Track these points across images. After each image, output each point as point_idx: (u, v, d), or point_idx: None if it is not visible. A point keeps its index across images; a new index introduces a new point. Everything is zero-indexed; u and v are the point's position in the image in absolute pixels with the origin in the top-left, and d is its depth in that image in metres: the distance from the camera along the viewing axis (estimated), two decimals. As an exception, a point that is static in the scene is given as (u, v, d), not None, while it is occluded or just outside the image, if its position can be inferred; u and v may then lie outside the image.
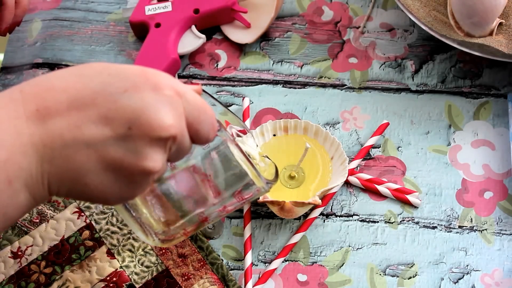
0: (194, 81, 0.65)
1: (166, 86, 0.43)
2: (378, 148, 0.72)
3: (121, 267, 0.65)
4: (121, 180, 0.43)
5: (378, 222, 0.68)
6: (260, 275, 0.66)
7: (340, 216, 0.68)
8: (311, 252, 0.67)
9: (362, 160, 0.71)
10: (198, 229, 0.56)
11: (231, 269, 0.66)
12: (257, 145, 0.63)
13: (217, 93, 0.75)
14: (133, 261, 0.66)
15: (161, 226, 0.54)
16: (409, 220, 0.68)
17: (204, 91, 0.55)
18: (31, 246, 0.66)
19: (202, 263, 0.65)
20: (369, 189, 0.69)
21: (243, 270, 0.66)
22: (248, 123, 0.72)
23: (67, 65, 0.78)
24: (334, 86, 0.75)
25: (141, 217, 0.53)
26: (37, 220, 0.67)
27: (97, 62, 0.44)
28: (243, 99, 0.74)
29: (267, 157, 0.60)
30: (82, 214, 0.68)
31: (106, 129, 0.41)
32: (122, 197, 0.45)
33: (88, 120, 0.41)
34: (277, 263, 0.66)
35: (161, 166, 0.44)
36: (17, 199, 0.42)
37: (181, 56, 0.77)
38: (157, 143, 0.43)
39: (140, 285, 0.65)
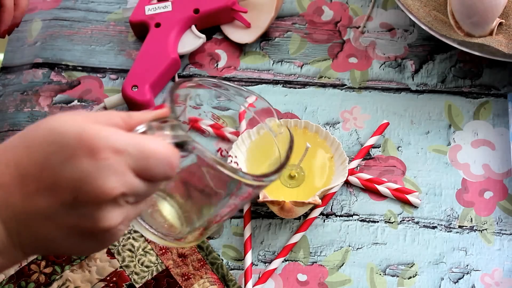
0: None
1: (102, 149, 0.43)
2: (378, 148, 0.72)
3: (121, 267, 0.65)
4: (88, 239, 0.45)
5: (378, 222, 0.68)
6: (260, 275, 0.66)
7: (340, 216, 0.69)
8: (311, 252, 0.67)
9: (362, 160, 0.71)
10: (209, 230, 0.58)
11: (231, 269, 0.66)
12: (278, 119, 0.62)
13: (217, 93, 0.75)
14: (133, 261, 0.66)
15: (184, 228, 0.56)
16: (409, 220, 0.68)
17: (214, 82, 0.57)
18: (31, 246, 0.66)
19: (202, 263, 0.65)
20: (369, 189, 0.69)
21: (243, 270, 0.66)
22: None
23: (67, 65, 0.78)
24: (334, 86, 0.75)
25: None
26: (37, 220, 0.67)
27: (44, 124, 0.44)
28: (243, 99, 0.74)
29: (288, 129, 0.60)
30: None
31: (55, 200, 0.43)
32: (97, 250, 0.47)
33: (38, 193, 0.43)
34: (277, 263, 0.66)
35: (121, 219, 0.45)
36: None
37: (181, 56, 0.77)
38: (106, 205, 0.43)
39: (140, 285, 0.65)
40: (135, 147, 0.44)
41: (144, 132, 0.48)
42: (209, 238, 0.67)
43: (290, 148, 0.57)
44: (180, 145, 0.49)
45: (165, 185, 0.56)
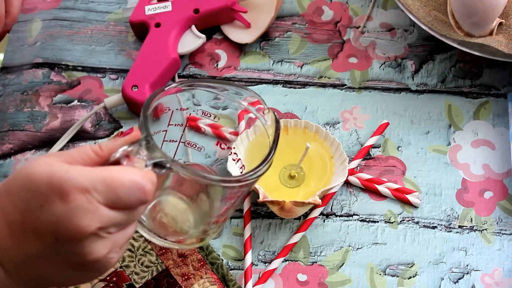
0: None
1: (71, 191, 0.45)
2: (378, 148, 0.72)
3: (121, 267, 0.65)
4: (82, 271, 0.48)
5: (378, 222, 0.68)
6: (260, 275, 0.66)
7: (340, 216, 0.68)
8: (311, 252, 0.67)
9: (362, 160, 0.71)
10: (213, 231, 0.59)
11: (231, 269, 0.66)
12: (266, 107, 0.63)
13: (217, 93, 0.75)
14: (133, 261, 0.66)
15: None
16: (409, 220, 0.68)
17: (206, 81, 0.57)
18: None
19: (202, 263, 0.65)
20: (369, 189, 0.69)
21: (243, 270, 0.66)
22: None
23: (67, 65, 0.78)
24: (334, 86, 0.75)
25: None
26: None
27: (22, 170, 0.47)
28: (243, 99, 0.74)
29: (274, 113, 0.60)
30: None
31: (41, 242, 0.46)
32: (95, 277, 0.50)
33: (25, 237, 0.46)
34: (277, 263, 0.66)
35: (108, 248, 0.47)
36: None
37: (181, 56, 0.77)
38: (87, 240, 0.46)
39: (140, 285, 0.65)
40: (101, 182, 0.46)
41: (117, 161, 0.49)
42: (209, 238, 0.67)
43: (277, 131, 0.58)
44: (160, 164, 0.50)
45: (162, 193, 0.57)
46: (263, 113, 0.62)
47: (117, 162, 0.49)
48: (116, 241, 0.48)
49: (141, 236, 0.66)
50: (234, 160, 0.67)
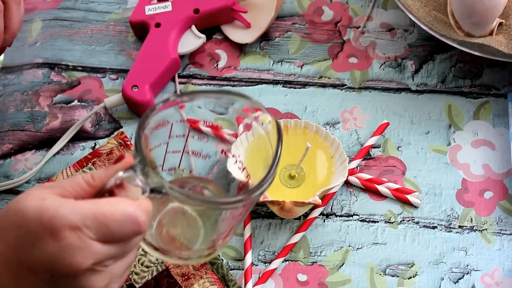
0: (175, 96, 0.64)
1: (62, 229, 0.44)
2: (378, 148, 0.72)
3: (121, 267, 0.65)
4: None
5: (378, 222, 0.68)
6: (260, 275, 0.66)
7: (340, 216, 0.69)
8: (311, 252, 0.67)
9: (362, 160, 0.71)
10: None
11: (231, 269, 0.66)
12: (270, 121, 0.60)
13: (217, 93, 0.75)
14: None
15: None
16: (409, 220, 0.68)
17: (199, 92, 0.56)
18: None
19: (202, 263, 0.65)
20: (369, 189, 0.69)
21: (243, 270, 0.66)
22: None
23: (67, 65, 0.78)
24: (334, 86, 0.75)
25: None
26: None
27: (12, 206, 0.46)
28: (243, 99, 0.74)
29: (276, 121, 0.56)
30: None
31: (37, 278, 0.46)
32: None
33: (21, 274, 0.46)
34: (277, 263, 0.66)
35: (107, 280, 0.47)
36: None
37: (181, 56, 0.77)
38: (83, 276, 0.45)
39: (140, 285, 0.65)
40: (92, 218, 0.45)
41: (111, 190, 0.47)
42: (209, 238, 0.67)
43: (279, 138, 0.54)
44: (157, 190, 0.48)
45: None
46: (263, 123, 0.60)
47: (111, 191, 0.47)
48: (115, 272, 0.47)
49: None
50: (234, 161, 0.67)
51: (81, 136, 0.74)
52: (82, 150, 0.73)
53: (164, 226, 0.56)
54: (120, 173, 0.47)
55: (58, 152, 0.73)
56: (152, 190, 0.48)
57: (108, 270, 0.46)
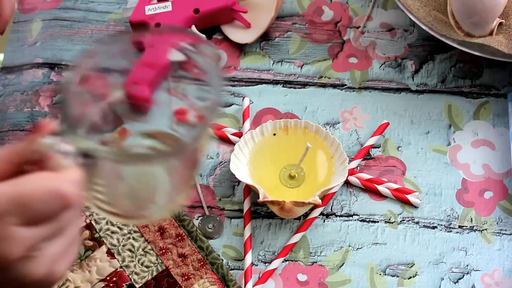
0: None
1: None
2: (378, 148, 0.72)
3: (121, 267, 0.65)
4: None
5: (378, 222, 0.68)
6: (260, 275, 0.66)
7: (340, 216, 0.68)
8: (311, 252, 0.67)
9: (362, 160, 0.71)
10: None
11: (231, 269, 0.66)
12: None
13: (217, 93, 0.75)
14: (133, 261, 0.66)
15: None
16: (409, 220, 0.68)
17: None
18: (31, 246, 0.66)
19: (202, 263, 0.65)
20: (369, 189, 0.69)
21: (243, 270, 0.66)
22: (248, 123, 0.72)
23: (67, 65, 0.78)
24: (334, 86, 0.75)
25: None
26: (37, 220, 0.67)
27: None
28: (243, 99, 0.74)
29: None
30: (82, 214, 0.68)
31: None
32: None
33: None
34: (277, 263, 0.66)
35: (48, 263, 0.42)
36: None
37: (181, 56, 0.77)
38: (18, 265, 0.41)
39: (140, 285, 0.65)
40: (12, 202, 0.40)
41: (35, 162, 0.42)
42: (209, 238, 0.67)
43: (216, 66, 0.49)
44: (87, 154, 0.42)
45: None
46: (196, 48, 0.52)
47: (36, 164, 0.42)
48: (54, 253, 0.43)
49: (141, 236, 0.66)
50: (237, 160, 0.67)
51: (81, 136, 0.74)
52: (82, 150, 0.73)
53: (119, 188, 0.51)
54: (42, 141, 0.42)
55: (58, 152, 0.73)
56: (85, 156, 0.42)
57: (45, 253, 0.42)
